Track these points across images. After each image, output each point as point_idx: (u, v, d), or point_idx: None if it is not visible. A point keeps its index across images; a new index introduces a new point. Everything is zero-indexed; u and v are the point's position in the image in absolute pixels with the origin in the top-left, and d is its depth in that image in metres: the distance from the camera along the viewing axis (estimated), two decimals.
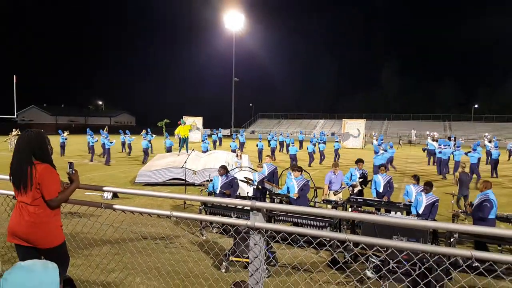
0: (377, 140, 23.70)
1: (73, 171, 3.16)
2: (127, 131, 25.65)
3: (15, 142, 3.15)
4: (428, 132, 44.24)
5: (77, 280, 4.65)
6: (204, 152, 19.10)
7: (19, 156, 2.99)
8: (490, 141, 23.50)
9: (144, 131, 25.14)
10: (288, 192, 8.24)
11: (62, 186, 3.13)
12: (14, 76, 33.72)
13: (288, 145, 30.27)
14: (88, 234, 6.52)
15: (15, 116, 36.00)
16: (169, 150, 21.65)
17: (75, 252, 5.72)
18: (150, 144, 22.60)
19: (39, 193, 2.95)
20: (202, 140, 23.24)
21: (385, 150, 17.33)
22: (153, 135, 23.92)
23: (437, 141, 22.36)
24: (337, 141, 24.81)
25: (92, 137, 22.09)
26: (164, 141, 23.05)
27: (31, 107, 78.35)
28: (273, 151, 24.74)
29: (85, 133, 25.07)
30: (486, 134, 37.14)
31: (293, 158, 20.75)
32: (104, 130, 22.08)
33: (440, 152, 18.21)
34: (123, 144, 26.95)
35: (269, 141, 34.55)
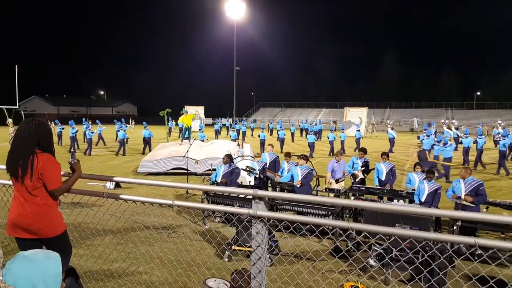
0: (392, 128, 22.82)
1: (74, 161, 3.13)
2: (96, 121, 25.19)
3: (16, 130, 3.06)
4: (443, 120, 43.46)
5: (80, 270, 4.68)
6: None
7: (21, 144, 2.88)
8: (503, 128, 22.89)
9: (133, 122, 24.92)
10: (292, 180, 8.24)
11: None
12: (16, 66, 33.59)
13: (293, 134, 30.15)
14: (91, 224, 6.53)
15: (17, 107, 35.85)
16: (146, 141, 19.92)
17: (77, 242, 5.75)
18: (126, 135, 21.08)
19: (41, 183, 2.90)
20: (199, 129, 22.92)
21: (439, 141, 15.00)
22: (127, 125, 23.57)
23: (457, 129, 21.21)
24: (358, 130, 24.23)
25: (73, 127, 21.23)
26: (142, 132, 21.01)
27: (33, 97, 78.35)
28: (282, 141, 22.97)
29: (82, 123, 24.84)
30: (500, 121, 36.75)
31: (311, 146, 20.06)
32: (87, 120, 22.57)
33: (475, 142, 16.58)
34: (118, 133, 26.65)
35: (275, 130, 34.41)
